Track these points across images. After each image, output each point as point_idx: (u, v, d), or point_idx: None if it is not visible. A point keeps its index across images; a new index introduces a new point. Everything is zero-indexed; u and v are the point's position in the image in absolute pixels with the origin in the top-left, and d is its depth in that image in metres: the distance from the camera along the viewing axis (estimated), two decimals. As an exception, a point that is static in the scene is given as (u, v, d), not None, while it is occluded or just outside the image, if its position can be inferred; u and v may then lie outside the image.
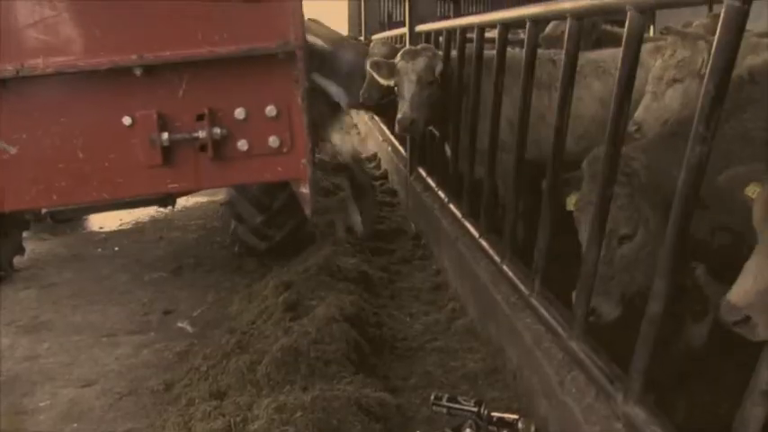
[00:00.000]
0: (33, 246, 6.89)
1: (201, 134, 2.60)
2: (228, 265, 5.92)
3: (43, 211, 5.17)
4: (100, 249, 6.74)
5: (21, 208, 3.25)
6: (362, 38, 13.17)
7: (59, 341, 4.62)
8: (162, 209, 6.74)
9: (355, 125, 11.81)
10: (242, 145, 2.69)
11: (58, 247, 6.85)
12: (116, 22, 2.39)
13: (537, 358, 2.98)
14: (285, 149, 2.71)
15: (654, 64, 3.58)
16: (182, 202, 8.31)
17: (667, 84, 3.44)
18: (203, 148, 2.63)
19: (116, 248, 6.73)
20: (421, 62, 4.69)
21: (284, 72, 2.61)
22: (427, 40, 5.77)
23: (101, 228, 7.57)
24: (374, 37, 11.72)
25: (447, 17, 7.56)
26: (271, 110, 2.70)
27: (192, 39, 2.47)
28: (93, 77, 2.47)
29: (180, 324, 4.76)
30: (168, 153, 2.60)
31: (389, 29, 10.71)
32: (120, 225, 7.66)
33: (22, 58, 2.40)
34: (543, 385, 2.91)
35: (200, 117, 2.59)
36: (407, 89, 4.64)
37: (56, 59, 2.42)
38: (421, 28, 6.06)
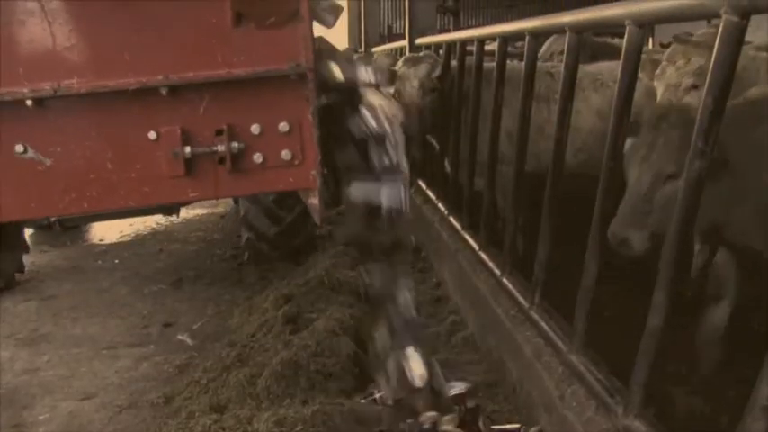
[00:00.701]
0: (33, 258, 6.89)
1: (220, 148, 2.81)
2: (229, 277, 5.92)
3: (52, 218, 5.37)
4: (100, 262, 6.74)
5: (54, 215, 3.73)
6: (362, 50, 13.22)
7: (59, 354, 4.62)
8: (163, 220, 6.75)
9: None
10: (257, 158, 2.87)
11: (57, 260, 6.85)
12: (144, 46, 2.64)
13: (537, 371, 2.98)
14: (296, 162, 2.90)
15: (645, 79, 3.60)
16: (182, 214, 8.33)
17: (685, 91, 3.45)
18: (222, 160, 2.83)
19: (116, 261, 6.73)
20: (423, 69, 4.73)
21: (296, 91, 2.82)
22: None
23: (101, 240, 7.57)
24: (374, 49, 11.76)
25: (447, 30, 7.58)
26: (283, 126, 2.88)
27: (213, 61, 2.71)
28: (122, 96, 2.69)
29: (180, 337, 4.75)
30: (190, 165, 2.81)
31: (390, 41, 10.73)
32: (121, 237, 7.66)
33: (59, 79, 2.63)
34: (543, 398, 2.91)
35: (220, 132, 2.80)
36: (408, 95, 4.68)
37: (89, 80, 2.66)
38: (421, 41, 6.09)
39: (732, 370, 3.07)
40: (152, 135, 2.79)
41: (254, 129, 2.84)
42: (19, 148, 2.72)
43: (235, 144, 2.81)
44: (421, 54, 5.01)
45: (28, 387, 4.17)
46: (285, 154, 2.88)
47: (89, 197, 2.86)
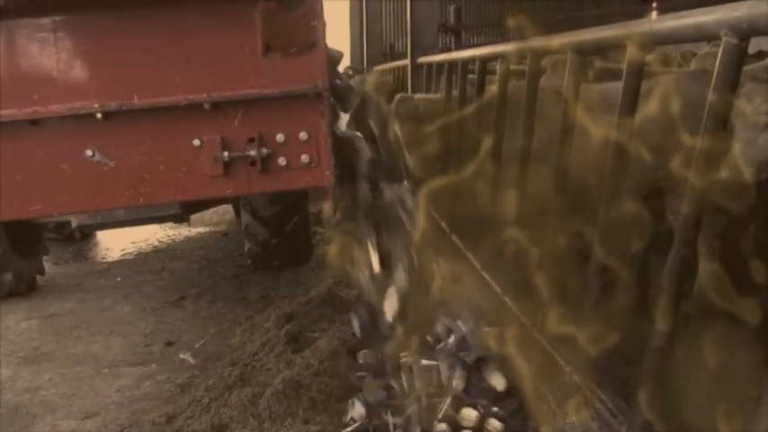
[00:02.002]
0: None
1: (252, 153, 3.39)
2: (231, 296, 5.92)
3: (74, 224, 6.14)
4: (102, 280, 6.75)
5: (115, 207, 4.30)
6: (365, 68, 13.27)
7: (61, 372, 4.61)
8: (165, 238, 6.86)
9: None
10: (281, 161, 3.45)
11: (60, 278, 6.86)
12: (191, 70, 3.29)
13: (540, 391, 2.97)
14: (314, 164, 3.48)
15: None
16: (184, 232, 8.37)
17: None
18: (253, 163, 3.40)
19: (118, 279, 6.74)
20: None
21: (313, 107, 3.42)
22: (429, 72, 5.83)
23: (103, 258, 7.59)
24: (376, 68, 11.81)
25: (448, 48, 7.62)
26: (303, 135, 3.45)
27: (246, 83, 3.33)
28: (173, 110, 3.31)
29: (182, 356, 4.74)
30: (227, 167, 3.41)
31: (392, 60, 10.78)
32: (123, 255, 7.68)
33: (123, 97, 3.26)
34: (548, 418, 2.90)
35: (251, 140, 3.40)
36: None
37: (147, 97, 3.28)
38: (423, 60, 6.12)
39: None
40: (196, 142, 3.39)
41: (279, 137, 3.43)
42: (89, 152, 3.34)
43: (264, 150, 3.39)
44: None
45: (29, 406, 4.16)
46: (304, 158, 3.46)
47: (144, 192, 3.47)
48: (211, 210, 9.46)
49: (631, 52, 2.29)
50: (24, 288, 6.32)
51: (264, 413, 3.45)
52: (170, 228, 8.88)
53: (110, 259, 7.54)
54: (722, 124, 1.84)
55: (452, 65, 5.10)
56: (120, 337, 5.17)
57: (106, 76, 3.25)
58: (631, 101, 2.37)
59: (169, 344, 4.98)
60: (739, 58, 1.77)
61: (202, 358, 4.67)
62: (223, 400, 3.72)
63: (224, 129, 3.39)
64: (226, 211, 9.53)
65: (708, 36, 1.97)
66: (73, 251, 7.74)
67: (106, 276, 6.86)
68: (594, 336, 2.63)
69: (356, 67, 13.76)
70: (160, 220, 6.78)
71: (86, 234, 7.07)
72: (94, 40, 3.23)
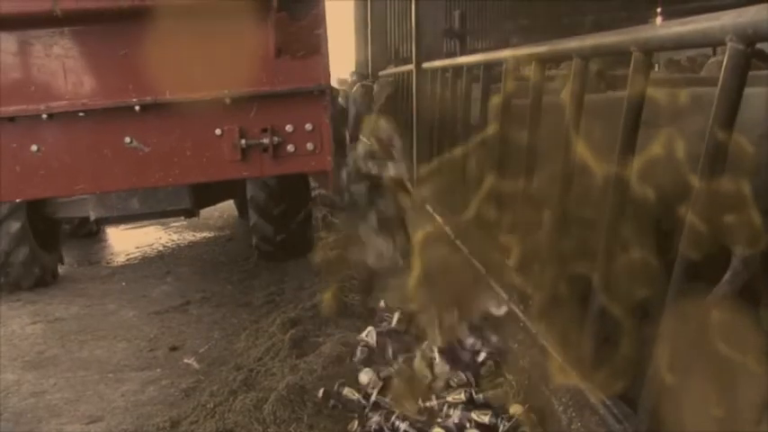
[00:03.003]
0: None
1: (265, 141, 4.12)
2: (235, 301, 5.93)
3: (92, 217, 6.53)
4: (107, 284, 6.76)
5: (149, 186, 4.75)
6: (369, 73, 13.28)
7: (66, 377, 4.62)
8: (169, 243, 6.93)
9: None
10: (290, 148, 4.15)
11: (64, 282, 6.87)
12: (214, 70, 3.90)
13: (544, 395, 2.97)
14: (317, 151, 4.15)
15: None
16: (189, 237, 8.37)
17: None
18: (266, 149, 4.13)
19: (123, 283, 6.75)
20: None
21: (317, 103, 4.14)
22: (434, 77, 5.83)
23: (108, 263, 7.59)
24: (380, 73, 11.82)
25: (453, 53, 7.62)
26: (308, 126, 4.17)
27: (261, 81, 4.01)
28: (198, 104, 3.96)
29: (187, 360, 4.74)
30: (244, 153, 4.09)
31: (396, 65, 10.78)
32: (128, 260, 7.69)
33: (156, 93, 3.94)
34: (551, 424, 2.90)
35: (265, 130, 4.11)
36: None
37: (177, 93, 3.95)
38: (428, 65, 6.12)
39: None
40: (218, 131, 4.10)
41: (288, 128, 4.13)
42: (127, 139, 4.01)
43: (275, 138, 4.10)
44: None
45: (34, 410, 4.17)
46: (309, 145, 4.17)
47: (173, 174, 4.17)
48: (216, 214, 9.51)
49: (636, 58, 2.29)
50: (50, 278, 6.80)
51: (269, 418, 3.45)
52: (174, 232, 8.89)
53: (114, 264, 7.54)
54: (729, 130, 1.84)
55: (457, 70, 5.10)
56: (125, 342, 5.17)
57: (143, 75, 3.88)
58: (637, 107, 2.37)
59: (174, 348, 4.98)
60: (745, 63, 1.77)
61: (207, 363, 4.67)
62: (228, 405, 3.72)
63: (241, 120, 4.06)
64: (230, 215, 9.55)
65: (713, 42, 1.96)
66: (77, 255, 7.75)
67: (111, 281, 6.87)
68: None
69: (361, 72, 13.77)
70: (171, 214, 7.05)
71: (104, 226, 7.58)
72: (134, 44, 3.84)
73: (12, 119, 3.88)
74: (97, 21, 3.73)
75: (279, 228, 6.54)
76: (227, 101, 3.97)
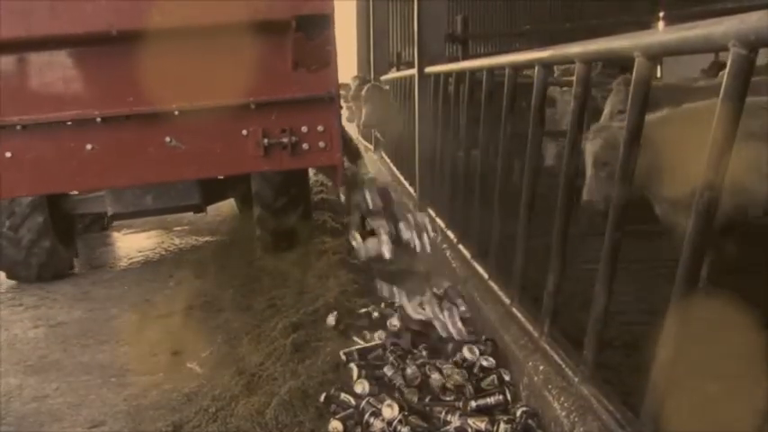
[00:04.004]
0: (42, 285, 6.94)
1: (284, 140, 4.68)
2: (237, 305, 5.92)
3: (110, 213, 7.12)
4: (109, 289, 6.76)
5: (186, 179, 5.87)
6: (371, 77, 13.30)
7: (68, 381, 4.62)
8: (172, 247, 6.98)
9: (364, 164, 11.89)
10: (305, 146, 4.70)
11: (67, 286, 6.88)
12: (241, 80, 4.42)
13: (547, 401, 2.96)
14: (328, 149, 4.72)
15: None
16: (191, 242, 8.39)
17: None
18: (284, 147, 4.69)
19: (125, 288, 6.75)
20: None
21: (328, 108, 4.73)
22: (436, 81, 5.83)
23: (110, 267, 7.60)
24: (383, 77, 11.83)
25: (456, 57, 7.62)
26: (320, 127, 4.72)
27: (280, 90, 4.60)
28: (228, 109, 4.56)
29: (189, 365, 4.75)
30: (266, 150, 4.67)
31: (398, 69, 10.80)
32: (130, 264, 7.70)
33: (193, 100, 4.52)
34: (554, 429, 2.89)
35: (284, 131, 4.69)
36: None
37: (210, 100, 4.51)
38: (430, 69, 6.12)
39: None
40: (244, 132, 4.66)
41: (304, 129, 4.68)
42: (167, 139, 4.55)
43: (292, 138, 4.66)
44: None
45: (36, 415, 4.17)
46: (321, 144, 4.73)
47: (206, 168, 4.83)
48: (218, 219, 9.51)
49: (639, 63, 2.29)
50: (67, 270, 7.31)
51: (271, 423, 3.45)
52: (177, 237, 8.91)
53: (117, 268, 7.56)
54: (731, 135, 1.84)
55: (460, 74, 5.11)
56: (127, 346, 5.18)
57: (182, 85, 4.42)
58: (640, 113, 2.37)
59: (176, 353, 4.98)
60: (748, 69, 1.77)
61: (209, 367, 4.67)
62: (230, 410, 3.72)
63: (264, 122, 4.62)
64: (233, 219, 9.56)
65: (715, 47, 1.96)
66: (80, 259, 7.76)
67: (113, 285, 6.87)
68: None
69: (363, 77, 13.80)
70: (183, 209, 7.61)
71: (118, 220, 7.96)
72: (174, 59, 4.37)
73: (70, 122, 4.46)
74: (146, 39, 4.21)
75: (281, 219, 7.01)
76: (252, 106, 4.59)
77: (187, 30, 4.33)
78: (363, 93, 9.91)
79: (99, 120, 4.42)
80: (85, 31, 4.23)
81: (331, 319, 4.60)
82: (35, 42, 4.25)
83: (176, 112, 4.46)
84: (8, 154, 4.44)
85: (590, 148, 4.05)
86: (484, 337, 3.91)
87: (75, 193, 6.99)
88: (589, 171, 4.04)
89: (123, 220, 8.12)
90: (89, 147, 4.50)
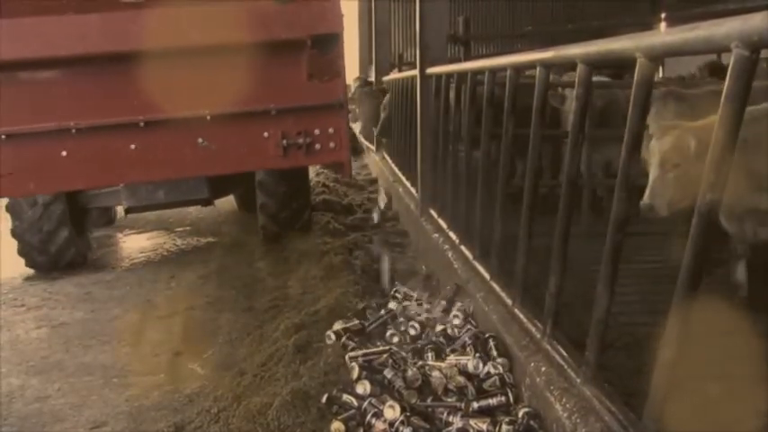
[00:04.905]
0: (45, 285, 6.95)
1: (300, 141, 5.27)
2: (239, 306, 5.93)
3: (125, 206, 7.73)
4: (111, 289, 6.76)
5: (215, 173, 6.38)
6: (373, 79, 13.33)
7: (70, 382, 4.62)
8: (174, 248, 7.04)
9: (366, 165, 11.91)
10: (317, 146, 5.31)
11: (69, 287, 6.88)
12: (263, 89, 5.11)
13: (550, 403, 2.96)
14: (337, 148, 5.34)
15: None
16: (192, 242, 8.40)
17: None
18: (300, 147, 5.28)
19: (127, 288, 6.75)
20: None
21: (338, 113, 5.36)
22: (438, 83, 5.84)
23: (112, 268, 7.61)
24: (385, 78, 11.84)
25: (457, 59, 7.63)
26: (331, 130, 5.34)
27: (297, 98, 5.21)
28: (252, 115, 5.25)
29: (191, 365, 4.75)
30: (285, 150, 5.30)
31: (400, 70, 10.81)
32: (132, 265, 7.70)
33: (222, 107, 5.15)
34: (557, 430, 2.89)
35: (299, 133, 5.30)
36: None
37: (235, 106, 5.15)
38: (431, 70, 6.13)
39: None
40: (266, 134, 5.30)
41: (317, 131, 5.32)
42: (200, 140, 5.14)
43: (307, 139, 5.27)
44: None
45: (38, 415, 4.17)
46: (332, 144, 5.35)
47: (232, 165, 5.51)
48: (220, 220, 9.53)
49: (641, 64, 2.29)
50: (81, 259, 7.67)
51: (273, 424, 3.45)
52: (179, 237, 8.91)
53: (119, 269, 7.56)
54: (733, 136, 1.84)
55: (462, 75, 5.11)
56: (129, 347, 5.18)
57: (213, 94, 5.03)
58: (641, 115, 2.37)
59: (178, 354, 4.98)
60: (751, 70, 1.77)
61: (211, 368, 4.68)
62: (232, 411, 3.72)
63: (283, 126, 5.26)
64: (234, 221, 9.57)
65: (718, 48, 1.97)
66: (82, 265, 7.78)
67: (115, 286, 6.87)
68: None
69: (364, 78, 13.82)
70: (192, 203, 8.23)
71: (133, 213, 8.31)
72: (206, 71, 5.03)
73: (114, 126, 5.11)
74: (182, 54, 4.92)
75: (282, 206, 7.55)
76: (273, 112, 5.27)
77: (218, 47, 5.00)
78: (356, 96, 10.16)
79: (142, 124, 5.12)
80: (132, 49, 4.91)
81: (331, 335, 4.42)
82: (93, 58, 4.96)
83: (208, 117, 5.16)
84: (63, 153, 5.15)
85: (658, 147, 3.70)
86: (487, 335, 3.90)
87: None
88: (654, 172, 3.69)
89: (135, 214, 8.49)
90: (132, 146, 5.20)
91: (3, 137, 4.97)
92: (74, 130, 5.06)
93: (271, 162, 5.48)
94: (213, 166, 5.45)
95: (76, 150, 5.12)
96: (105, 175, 5.41)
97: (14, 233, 7.30)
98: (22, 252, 7.40)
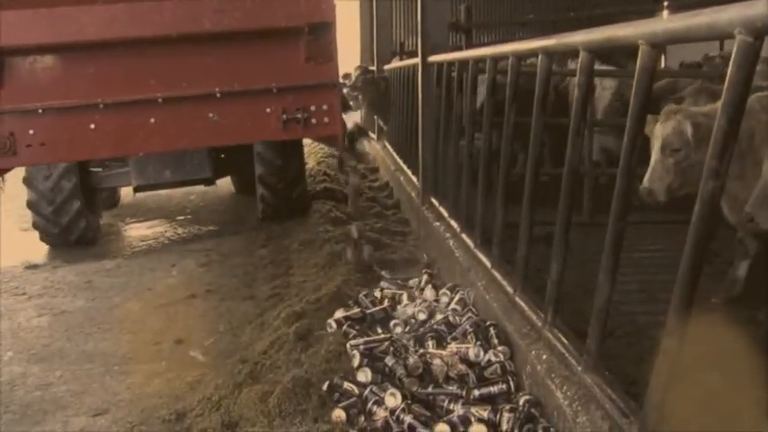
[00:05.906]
0: (47, 274, 6.95)
1: (299, 116, 5.71)
2: (241, 294, 5.94)
3: (134, 185, 8.32)
4: (112, 278, 6.76)
5: (224, 144, 7.42)
6: (374, 67, 13.28)
7: (71, 369, 4.63)
8: (174, 237, 6.97)
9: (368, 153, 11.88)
10: (313, 121, 5.77)
11: (70, 275, 6.89)
12: (265, 70, 5.67)
13: (550, 390, 2.96)
14: (330, 123, 5.81)
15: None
16: (193, 231, 8.41)
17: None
18: (298, 121, 5.72)
19: (128, 277, 6.76)
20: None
21: (331, 91, 5.84)
22: (439, 71, 5.82)
23: (113, 256, 7.61)
24: (386, 67, 11.80)
25: (459, 47, 7.61)
26: (325, 106, 5.79)
27: (296, 77, 5.69)
28: (256, 92, 5.70)
29: (192, 353, 4.75)
30: (284, 123, 5.75)
31: (401, 58, 10.77)
32: (133, 253, 7.70)
33: (230, 85, 5.66)
34: (557, 419, 2.90)
35: (298, 109, 5.73)
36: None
37: (242, 85, 5.66)
38: (433, 58, 6.11)
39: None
40: (268, 110, 5.74)
41: (313, 108, 5.76)
42: (210, 114, 5.61)
43: (304, 114, 5.72)
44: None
45: (40, 403, 4.18)
46: (325, 119, 5.80)
47: (239, 137, 6.06)
48: (221, 209, 9.53)
49: (644, 51, 2.27)
50: (92, 235, 8.16)
51: (274, 411, 3.46)
52: (179, 226, 8.92)
53: (120, 257, 7.56)
54: (736, 123, 1.83)
55: (463, 63, 5.09)
56: (131, 335, 5.18)
57: (221, 72, 5.61)
58: (643, 103, 2.36)
59: (179, 341, 4.98)
60: (754, 56, 1.76)
61: (212, 356, 4.68)
62: (233, 398, 3.73)
63: (283, 102, 5.70)
64: (234, 209, 9.57)
65: (721, 35, 1.96)
66: (83, 248, 7.79)
67: (116, 274, 6.88)
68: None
69: (365, 67, 13.77)
70: (196, 182, 8.74)
71: (141, 191, 8.81)
72: (216, 55, 5.61)
73: (136, 102, 5.54)
74: (197, 39, 5.48)
75: (280, 177, 8.22)
76: (274, 90, 5.67)
77: (227, 33, 5.50)
78: (359, 84, 10.44)
79: (160, 100, 5.56)
80: (152, 34, 5.43)
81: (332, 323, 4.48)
82: (119, 42, 5.44)
83: (218, 94, 5.58)
84: (92, 125, 5.56)
85: (660, 131, 3.62)
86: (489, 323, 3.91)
87: (99, 169, 8.43)
88: (655, 156, 3.63)
89: (144, 192, 9.00)
90: (152, 120, 5.62)
91: (40, 111, 5.41)
92: (101, 106, 5.55)
93: (272, 134, 6.00)
94: (222, 138, 5.99)
95: (103, 123, 5.60)
96: (127, 145, 5.91)
97: (30, 203, 7.83)
98: (36, 224, 7.96)
